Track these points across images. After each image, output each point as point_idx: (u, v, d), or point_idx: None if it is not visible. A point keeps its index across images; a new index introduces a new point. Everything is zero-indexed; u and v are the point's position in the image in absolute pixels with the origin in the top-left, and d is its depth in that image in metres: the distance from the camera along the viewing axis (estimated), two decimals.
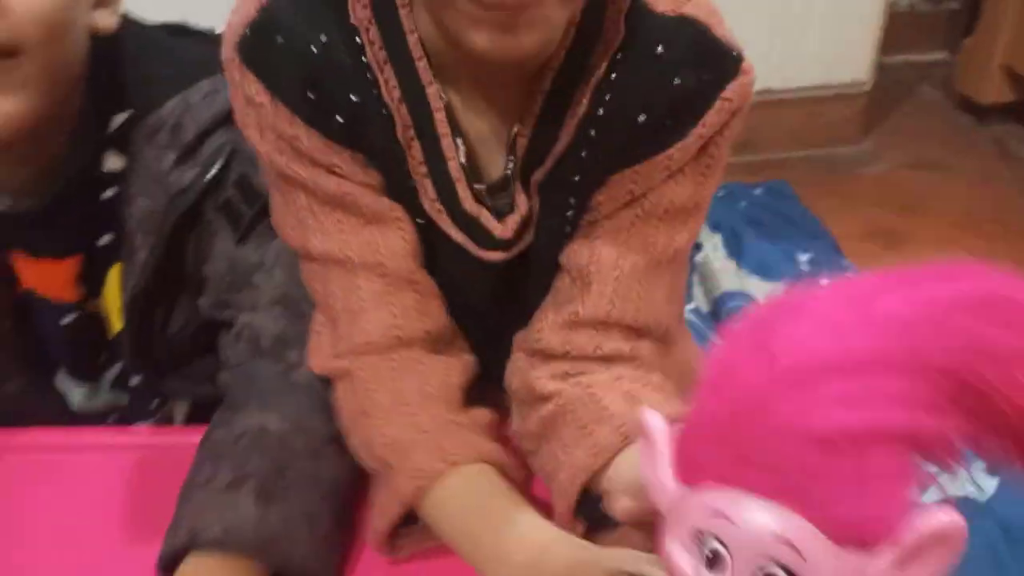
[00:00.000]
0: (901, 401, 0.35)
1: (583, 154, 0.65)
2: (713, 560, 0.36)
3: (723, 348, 0.39)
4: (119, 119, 0.78)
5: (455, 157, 0.65)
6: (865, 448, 0.35)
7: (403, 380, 0.69)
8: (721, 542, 0.36)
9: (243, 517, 0.65)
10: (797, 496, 0.35)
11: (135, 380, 0.87)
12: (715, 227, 2.00)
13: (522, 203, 0.67)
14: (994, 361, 0.36)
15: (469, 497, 0.65)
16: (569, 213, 0.68)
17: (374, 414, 0.68)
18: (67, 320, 0.82)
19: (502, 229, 0.68)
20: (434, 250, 0.70)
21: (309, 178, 0.65)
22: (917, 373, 0.36)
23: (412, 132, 0.65)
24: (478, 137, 0.67)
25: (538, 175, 0.66)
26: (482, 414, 0.70)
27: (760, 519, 0.35)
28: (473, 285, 0.72)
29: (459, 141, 0.65)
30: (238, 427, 0.71)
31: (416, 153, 0.66)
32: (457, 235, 0.68)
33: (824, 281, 0.39)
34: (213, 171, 0.76)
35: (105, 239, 0.80)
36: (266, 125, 0.64)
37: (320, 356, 0.72)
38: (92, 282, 0.82)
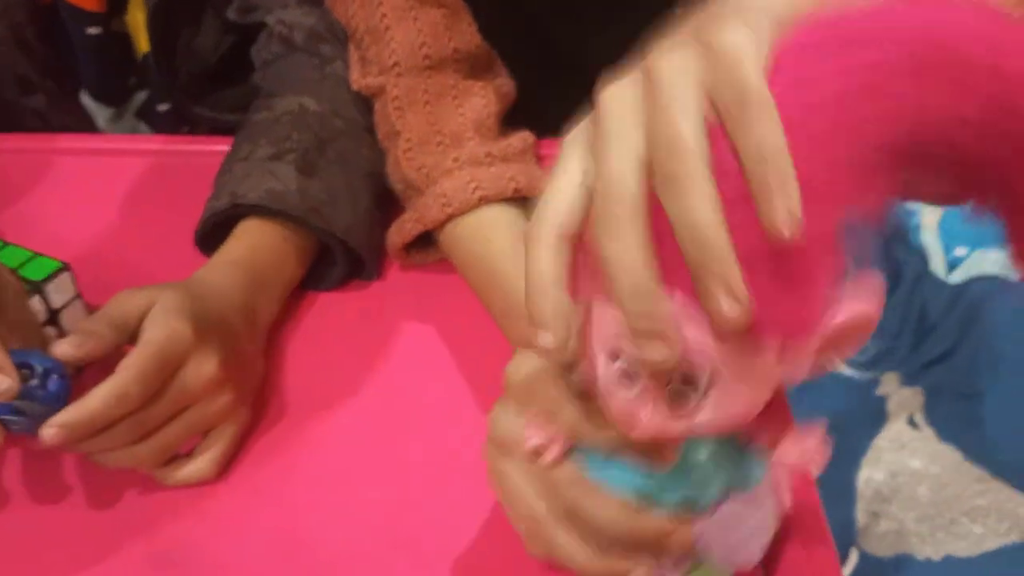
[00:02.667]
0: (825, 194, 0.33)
1: None
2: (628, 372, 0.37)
3: None
4: None
5: None
6: (783, 255, 0.33)
7: (437, 104, 0.67)
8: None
9: (285, 184, 0.64)
10: None
11: (163, 107, 0.85)
12: None
13: None
14: (933, 124, 0.34)
15: (490, 240, 0.63)
16: None
17: (407, 136, 0.67)
18: (93, 31, 0.79)
19: None
20: None
21: None
22: (836, 150, 0.33)
23: None
24: None
25: None
26: (519, 139, 0.68)
27: None
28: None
29: None
30: (278, 109, 0.70)
31: None
32: None
33: None
34: None
35: None
36: None
37: (354, 78, 0.71)
38: None
